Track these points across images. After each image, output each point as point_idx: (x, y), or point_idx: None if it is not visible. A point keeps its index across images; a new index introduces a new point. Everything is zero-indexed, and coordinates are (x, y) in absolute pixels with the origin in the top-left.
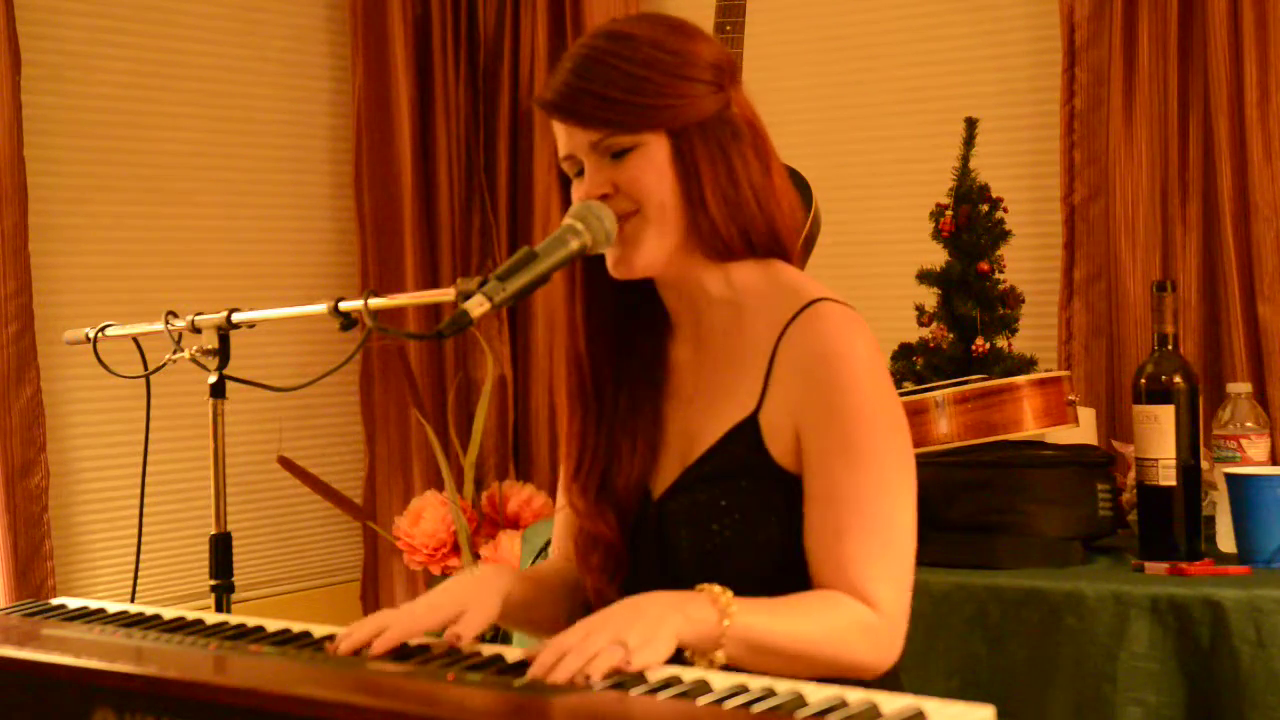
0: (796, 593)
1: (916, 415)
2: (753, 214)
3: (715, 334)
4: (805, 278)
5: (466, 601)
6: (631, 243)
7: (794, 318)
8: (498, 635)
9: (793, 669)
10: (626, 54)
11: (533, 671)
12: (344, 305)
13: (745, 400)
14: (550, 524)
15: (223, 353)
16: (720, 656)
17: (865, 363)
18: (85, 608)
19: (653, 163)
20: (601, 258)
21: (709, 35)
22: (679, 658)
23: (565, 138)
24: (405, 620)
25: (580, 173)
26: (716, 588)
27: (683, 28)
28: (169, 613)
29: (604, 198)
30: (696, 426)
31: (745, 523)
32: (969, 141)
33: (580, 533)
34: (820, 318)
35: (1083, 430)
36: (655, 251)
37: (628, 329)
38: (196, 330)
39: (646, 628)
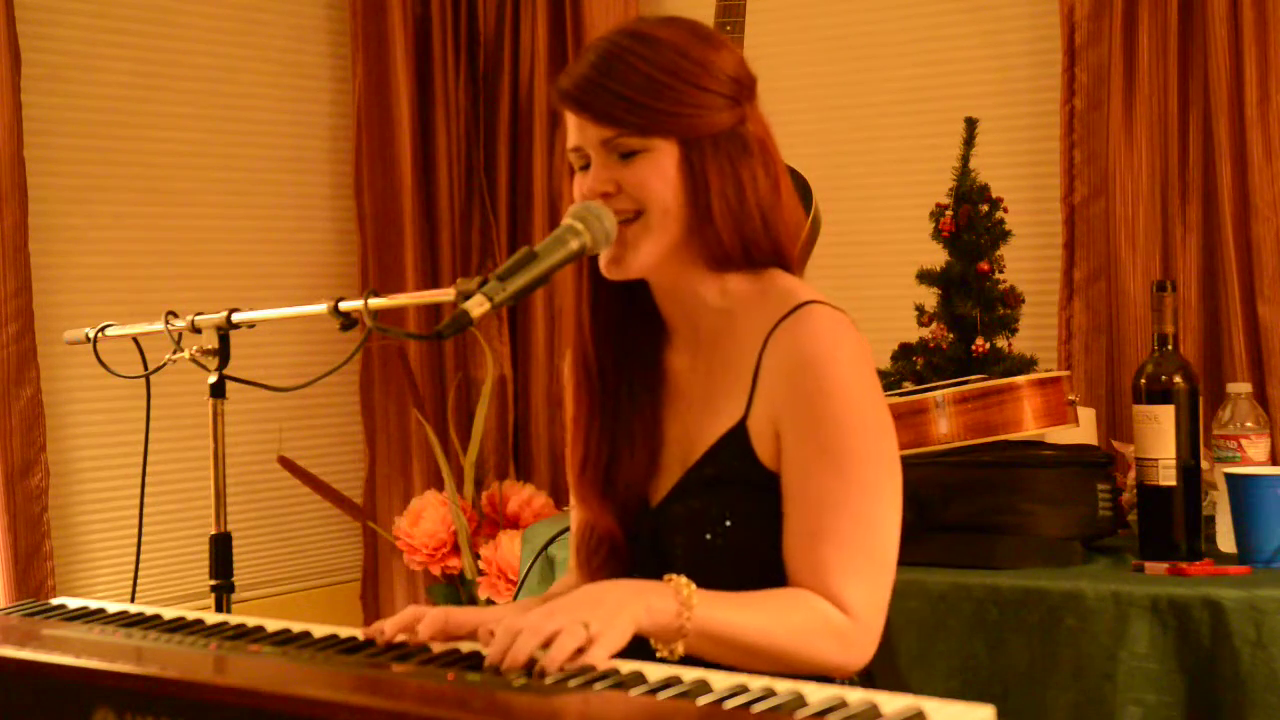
0: (765, 589)
1: (916, 415)
2: (756, 229)
3: (710, 341)
4: (798, 283)
5: (501, 615)
6: (629, 245)
7: (781, 320)
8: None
9: (753, 663)
10: (649, 56)
11: (490, 658)
12: (344, 305)
13: (735, 407)
14: (550, 524)
15: (223, 353)
16: (680, 648)
17: (851, 365)
18: (85, 608)
19: (660, 169)
20: None
21: (734, 47)
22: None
23: (576, 130)
24: (442, 611)
25: (585, 166)
26: (681, 578)
27: (709, 38)
28: (169, 613)
29: (606, 196)
30: (692, 433)
31: (738, 530)
32: (969, 141)
33: (589, 531)
34: (806, 320)
35: (1083, 430)
36: (650, 255)
37: (630, 333)
38: (196, 330)
39: (607, 613)
